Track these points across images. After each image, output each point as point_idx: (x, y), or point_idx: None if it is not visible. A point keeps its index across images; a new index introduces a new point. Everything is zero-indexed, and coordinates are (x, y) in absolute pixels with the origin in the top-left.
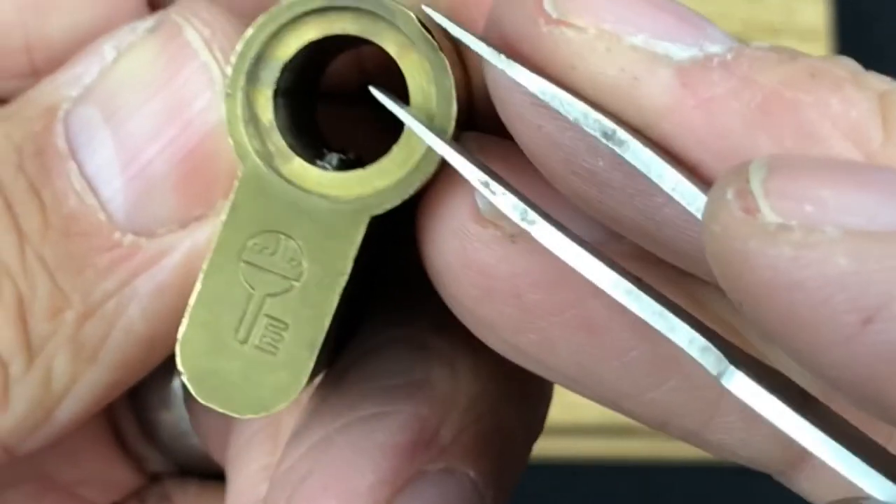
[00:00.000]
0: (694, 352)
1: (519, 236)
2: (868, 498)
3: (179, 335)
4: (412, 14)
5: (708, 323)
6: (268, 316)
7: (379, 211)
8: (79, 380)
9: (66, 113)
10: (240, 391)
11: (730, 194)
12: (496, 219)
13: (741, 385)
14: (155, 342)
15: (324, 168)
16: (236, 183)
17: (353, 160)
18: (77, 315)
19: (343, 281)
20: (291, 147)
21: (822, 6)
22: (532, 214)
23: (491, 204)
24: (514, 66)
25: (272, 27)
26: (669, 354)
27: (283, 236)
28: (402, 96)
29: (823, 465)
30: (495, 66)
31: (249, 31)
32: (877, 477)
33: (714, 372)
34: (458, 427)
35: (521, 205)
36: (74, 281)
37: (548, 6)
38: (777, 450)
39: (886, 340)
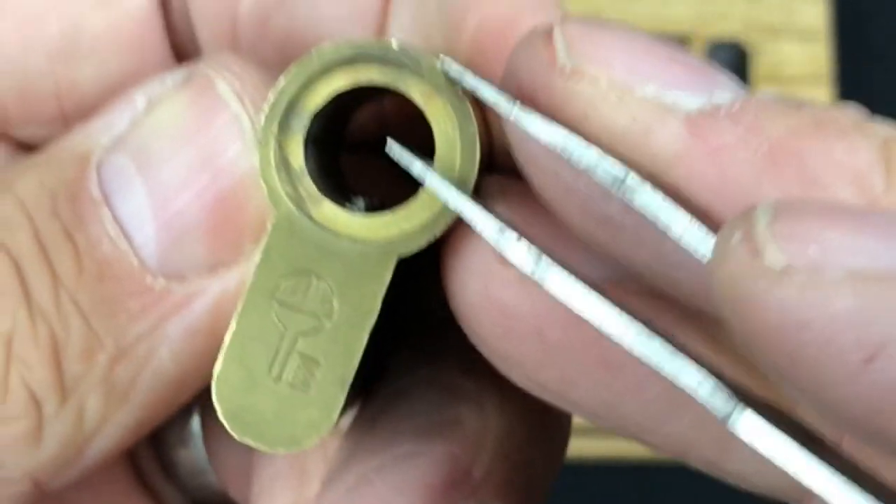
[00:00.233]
0: (702, 394)
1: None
2: None
3: (215, 373)
4: (437, 64)
5: (723, 359)
6: (300, 354)
7: (406, 253)
8: (110, 419)
9: (99, 161)
10: (273, 427)
11: (737, 237)
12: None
13: (747, 427)
14: (184, 383)
15: (352, 211)
16: (269, 226)
17: (379, 205)
18: (109, 357)
19: (372, 320)
20: (321, 192)
21: (822, 6)
22: (544, 262)
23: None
24: (527, 114)
25: (303, 77)
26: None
27: (314, 277)
28: (421, 146)
29: None
30: (510, 115)
31: (282, 82)
32: None
33: (721, 414)
34: (488, 465)
35: (534, 252)
36: (107, 323)
37: (562, 57)
38: (792, 481)
39: (889, 378)
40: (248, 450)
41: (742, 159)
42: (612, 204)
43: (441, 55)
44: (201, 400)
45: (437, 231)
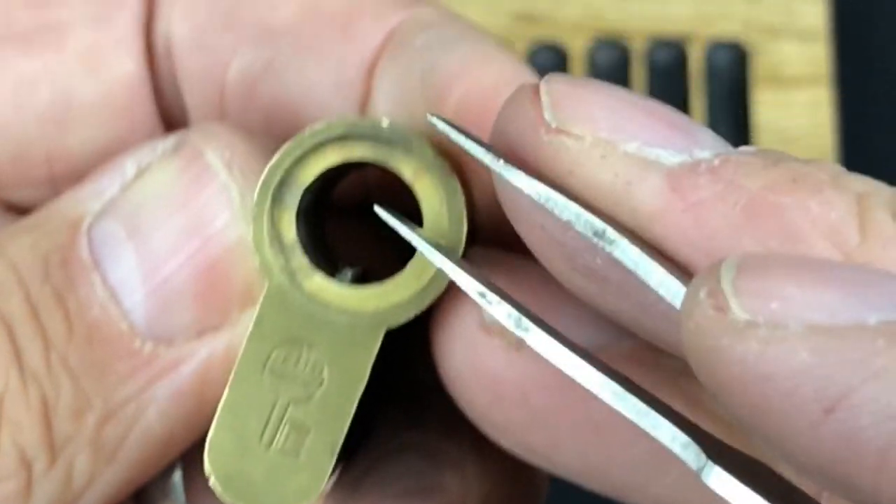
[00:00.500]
0: (676, 448)
1: (523, 344)
2: None
3: (208, 439)
4: (426, 142)
5: (701, 419)
6: (290, 422)
7: (395, 324)
8: (98, 478)
9: (90, 226)
10: (264, 492)
11: (702, 293)
12: (501, 328)
13: (719, 480)
14: (171, 443)
15: (342, 283)
16: (261, 297)
17: (363, 273)
18: (98, 417)
19: (361, 388)
20: (312, 264)
21: (822, 6)
22: (526, 322)
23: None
24: (511, 170)
25: (296, 154)
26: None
27: (305, 347)
28: (404, 209)
29: None
30: (494, 170)
31: (275, 157)
32: None
33: (694, 467)
34: None
35: (516, 313)
36: (96, 385)
37: (547, 116)
38: None
39: (848, 428)
40: None
41: (720, 214)
42: (597, 256)
43: (429, 113)
44: (185, 454)
45: (425, 303)
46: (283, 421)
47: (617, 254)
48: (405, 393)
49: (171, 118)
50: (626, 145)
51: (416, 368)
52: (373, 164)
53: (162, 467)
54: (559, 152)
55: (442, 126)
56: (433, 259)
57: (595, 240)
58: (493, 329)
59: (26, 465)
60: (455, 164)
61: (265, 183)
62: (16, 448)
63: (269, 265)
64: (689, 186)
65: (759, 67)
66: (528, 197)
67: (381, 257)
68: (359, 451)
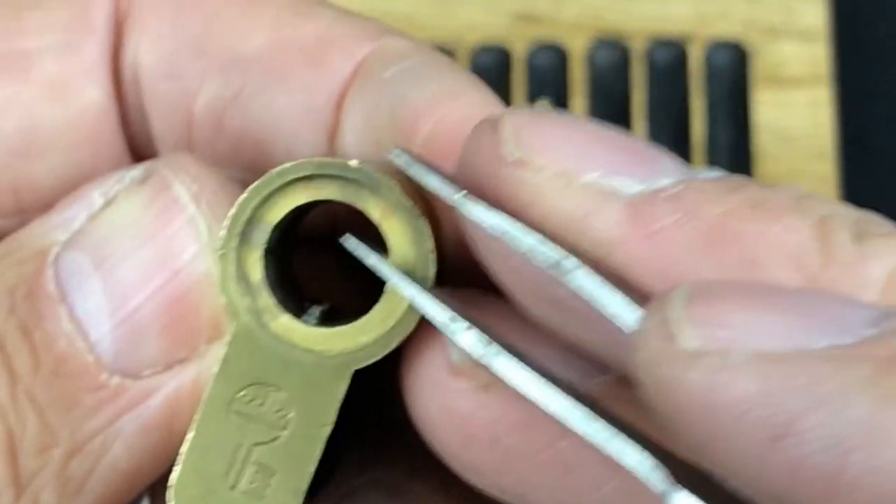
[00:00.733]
0: (642, 472)
1: (492, 385)
2: None
3: (173, 480)
4: (395, 183)
5: (674, 448)
6: (256, 463)
7: (361, 365)
8: None
9: (56, 256)
10: None
11: (653, 322)
12: (470, 370)
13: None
14: (138, 477)
15: (308, 323)
16: (228, 337)
17: (330, 309)
18: (64, 451)
19: (327, 431)
20: (279, 304)
21: (822, 6)
22: (493, 348)
23: (464, 356)
24: (468, 203)
25: (264, 193)
26: (642, 485)
27: (271, 388)
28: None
29: None
30: (453, 203)
31: (243, 196)
32: None
33: (658, 490)
34: None
35: (484, 340)
36: (63, 419)
37: (507, 148)
38: None
39: (796, 455)
40: None
41: (680, 242)
42: (560, 287)
43: (392, 147)
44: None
45: (393, 345)
46: (249, 462)
47: (574, 284)
48: (372, 429)
49: (138, 147)
50: (585, 176)
51: (384, 404)
52: (341, 204)
53: (129, 501)
54: (520, 185)
55: (399, 160)
56: (399, 287)
57: (552, 271)
58: (462, 371)
59: None
60: (424, 205)
61: (232, 222)
62: None
63: (235, 306)
64: (648, 215)
65: (759, 67)
66: (489, 229)
67: (348, 290)
68: (324, 488)
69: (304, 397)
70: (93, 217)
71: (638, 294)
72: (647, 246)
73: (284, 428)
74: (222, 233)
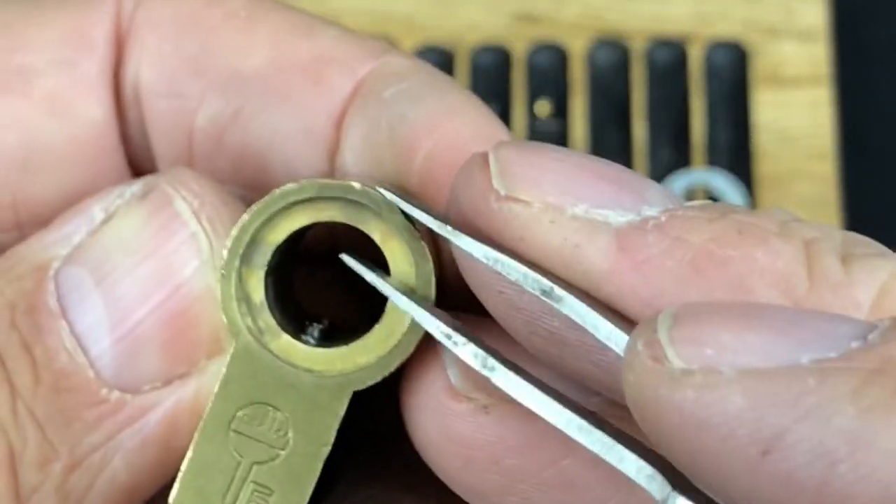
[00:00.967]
0: (641, 479)
1: (492, 406)
2: None
3: (172, 497)
4: (396, 205)
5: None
6: (254, 482)
7: (361, 386)
8: None
9: (57, 272)
10: None
11: (640, 345)
12: (469, 392)
13: None
14: (137, 491)
15: (308, 343)
16: (228, 356)
17: (331, 327)
18: (64, 466)
19: (326, 451)
20: (280, 324)
21: (822, 6)
22: (492, 361)
23: (463, 379)
24: (459, 235)
25: (266, 214)
26: (642, 502)
27: (270, 408)
28: (373, 260)
29: None
30: (443, 237)
31: (245, 218)
32: None
33: (658, 498)
34: None
35: (482, 353)
36: (63, 434)
37: (496, 183)
38: None
39: (784, 469)
40: None
41: (668, 270)
42: (554, 318)
43: (378, 185)
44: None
45: (392, 366)
46: (247, 481)
47: (565, 310)
48: (369, 446)
49: (138, 164)
50: (574, 208)
51: (381, 423)
52: (343, 226)
53: None
54: (509, 219)
55: (390, 196)
56: (399, 302)
57: (544, 298)
58: (461, 393)
59: None
60: (425, 229)
61: (234, 244)
62: None
63: (236, 325)
64: (636, 245)
65: (759, 67)
66: (479, 260)
67: (348, 306)
68: None
69: (303, 418)
70: (93, 232)
71: (628, 323)
72: (636, 276)
73: (283, 447)
74: (224, 253)
